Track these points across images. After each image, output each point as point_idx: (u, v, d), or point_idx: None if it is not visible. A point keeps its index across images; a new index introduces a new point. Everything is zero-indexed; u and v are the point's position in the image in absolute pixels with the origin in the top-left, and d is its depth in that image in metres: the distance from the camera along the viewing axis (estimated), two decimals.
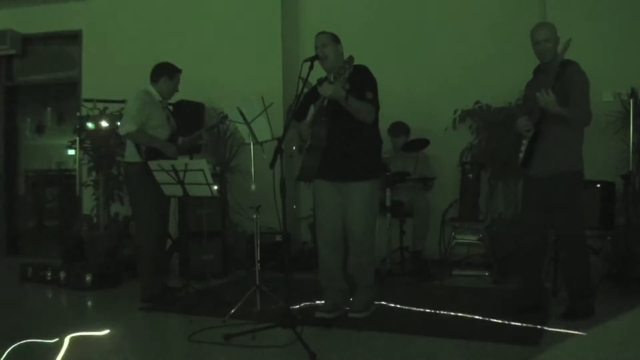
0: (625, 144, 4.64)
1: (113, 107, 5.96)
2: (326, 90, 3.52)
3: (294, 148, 3.85)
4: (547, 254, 4.06)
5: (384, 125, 4.68)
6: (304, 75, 3.51)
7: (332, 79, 3.62)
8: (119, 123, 5.13)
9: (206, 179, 3.92)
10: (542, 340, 3.22)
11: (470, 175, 5.15)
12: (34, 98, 7.37)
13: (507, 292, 4.37)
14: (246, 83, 5.96)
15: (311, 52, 3.83)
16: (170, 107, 5.02)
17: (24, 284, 5.32)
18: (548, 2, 5.33)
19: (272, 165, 3.24)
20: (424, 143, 5.40)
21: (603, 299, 3.88)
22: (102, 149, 5.97)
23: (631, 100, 4.51)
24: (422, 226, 5.28)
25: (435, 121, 5.78)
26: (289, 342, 3.16)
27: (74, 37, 6.98)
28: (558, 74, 3.50)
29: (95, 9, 6.84)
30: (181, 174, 3.96)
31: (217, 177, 5.41)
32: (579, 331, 3.28)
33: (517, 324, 3.54)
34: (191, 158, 5.12)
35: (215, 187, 4.08)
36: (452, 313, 3.88)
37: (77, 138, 6.16)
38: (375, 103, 3.72)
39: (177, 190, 4.09)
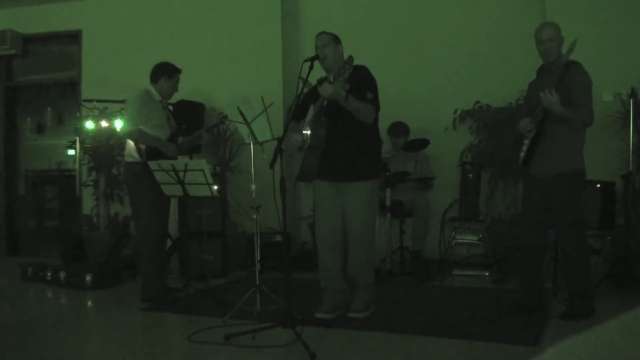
0: (625, 144, 4.64)
1: (113, 107, 5.96)
2: (326, 90, 3.52)
3: (301, 140, 3.82)
4: (547, 254, 4.06)
5: (383, 125, 4.68)
6: (304, 75, 3.51)
7: (332, 79, 3.62)
8: (119, 123, 5.14)
9: (206, 179, 3.92)
10: (542, 340, 3.22)
11: (470, 175, 5.15)
12: (34, 98, 7.37)
13: (507, 292, 4.37)
14: (246, 83, 5.95)
15: (311, 52, 3.83)
16: (170, 107, 5.02)
17: (24, 283, 5.32)
18: (548, 2, 5.33)
19: (272, 165, 3.24)
20: (424, 143, 5.40)
21: (603, 299, 3.88)
22: (102, 148, 5.97)
23: (631, 100, 4.52)
24: (422, 226, 5.28)
25: (435, 121, 5.78)
26: (289, 342, 3.16)
27: (74, 37, 6.98)
28: (562, 74, 3.50)
29: (95, 9, 6.84)
30: (181, 174, 3.96)
31: (217, 177, 5.41)
32: (579, 331, 3.27)
33: (517, 324, 3.54)
34: (191, 158, 5.11)
35: (215, 187, 4.08)
36: (452, 313, 3.88)
37: (77, 138, 6.16)
38: (375, 103, 3.72)
39: (177, 190, 4.09)
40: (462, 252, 5.49)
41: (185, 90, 4.94)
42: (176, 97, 5.07)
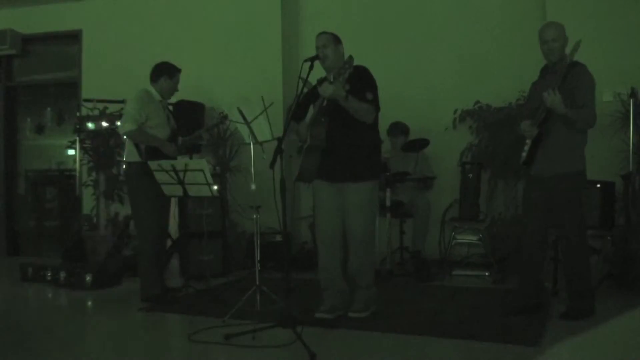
0: (625, 144, 4.64)
1: (113, 107, 5.96)
2: (326, 90, 3.52)
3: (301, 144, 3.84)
4: (547, 254, 4.06)
5: (383, 125, 4.69)
6: (304, 75, 3.51)
7: (332, 79, 3.62)
8: (118, 123, 5.13)
9: (206, 179, 3.92)
10: (542, 340, 3.22)
11: (470, 175, 5.15)
12: (34, 98, 7.37)
13: (507, 292, 4.37)
14: (246, 83, 5.96)
15: (311, 52, 3.83)
16: (170, 107, 5.02)
17: (24, 283, 5.33)
18: (548, 2, 5.33)
19: (272, 165, 3.24)
20: (424, 143, 5.40)
21: (603, 299, 3.88)
22: (102, 149, 5.98)
23: (631, 100, 4.52)
24: (422, 226, 5.28)
25: (435, 121, 5.78)
26: (289, 342, 3.15)
27: (74, 37, 6.98)
28: (565, 75, 3.50)
29: (95, 9, 6.85)
30: (181, 174, 3.96)
31: (217, 177, 5.42)
32: (579, 331, 3.27)
33: (517, 324, 3.54)
34: (191, 158, 5.12)
35: (215, 187, 4.08)
36: (452, 313, 3.88)
37: (77, 138, 6.16)
38: (375, 104, 3.72)
39: (177, 190, 4.09)
40: (462, 252, 5.49)
41: (185, 90, 4.94)
42: (176, 97, 5.07)
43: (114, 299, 4.67)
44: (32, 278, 5.33)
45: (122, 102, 5.62)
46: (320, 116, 3.66)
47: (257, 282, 3.97)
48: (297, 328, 3.16)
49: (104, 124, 5.90)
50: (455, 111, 5.73)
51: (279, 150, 3.28)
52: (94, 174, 6.11)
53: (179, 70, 4.49)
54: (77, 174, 6.61)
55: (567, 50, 3.59)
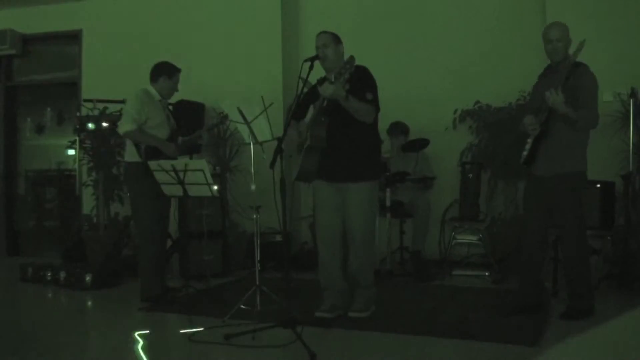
0: (625, 144, 4.64)
1: (113, 107, 5.96)
2: (326, 90, 3.52)
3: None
4: (547, 254, 4.06)
5: (383, 125, 4.69)
6: (304, 75, 3.51)
7: (332, 79, 3.62)
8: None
9: (206, 179, 3.92)
10: (542, 340, 3.22)
11: (470, 175, 5.15)
12: (34, 98, 7.37)
13: (507, 292, 4.37)
14: (246, 83, 5.96)
15: (311, 52, 3.83)
16: (170, 107, 5.02)
17: (24, 284, 5.33)
18: (548, 2, 5.33)
19: (272, 165, 3.24)
20: (424, 143, 5.40)
21: (603, 299, 3.88)
22: (102, 149, 5.97)
23: (631, 100, 4.52)
24: (422, 226, 5.27)
25: (435, 121, 5.78)
26: (289, 342, 3.15)
27: (74, 37, 6.98)
28: (568, 75, 3.50)
29: (95, 9, 6.84)
30: (181, 174, 3.96)
31: (217, 177, 5.41)
32: (579, 331, 3.27)
33: (517, 324, 3.54)
34: (191, 158, 5.12)
35: (215, 187, 4.08)
36: (452, 313, 3.88)
37: (77, 138, 6.16)
38: (375, 104, 3.72)
39: (177, 190, 4.09)
40: (462, 252, 5.49)
41: (185, 90, 4.94)
42: (176, 97, 5.07)
43: (114, 299, 4.67)
44: (32, 278, 5.33)
45: (122, 102, 5.60)
46: (320, 116, 3.66)
47: (257, 282, 3.98)
48: (297, 328, 3.16)
49: (104, 124, 5.89)
50: (455, 111, 5.73)
51: (279, 150, 3.28)
52: (94, 174, 6.11)
53: (178, 70, 4.49)
54: (77, 174, 6.61)
55: (571, 51, 3.59)
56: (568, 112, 3.45)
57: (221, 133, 5.98)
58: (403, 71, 5.94)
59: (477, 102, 5.67)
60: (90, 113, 6.01)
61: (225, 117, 4.54)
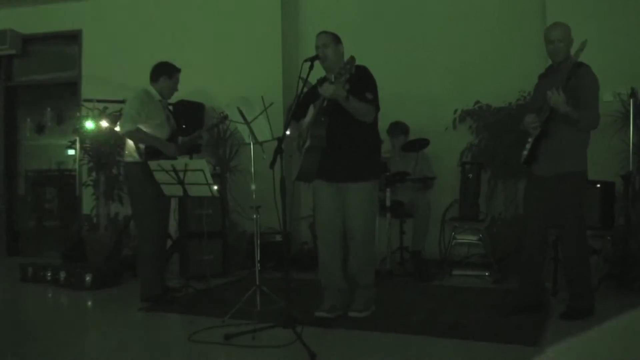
0: (625, 144, 4.64)
1: (113, 107, 5.96)
2: (327, 90, 3.52)
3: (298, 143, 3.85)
4: (547, 254, 4.06)
5: (383, 125, 4.69)
6: (304, 75, 3.51)
7: (332, 79, 3.62)
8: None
9: (206, 179, 3.92)
10: (542, 340, 3.22)
11: (470, 175, 5.15)
12: (34, 98, 7.37)
13: (507, 292, 4.37)
14: (246, 83, 5.95)
15: (311, 52, 3.83)
16: (170, 107, 5.01)
17: (24, 284, 5.33)
18: (548, 2, 5.33)
19: (272, 165, 3.24)
20: (424, 143, 5.40)
21: (603, 299, 3.88)
22: (102, 148, 5.97)
23: (631, 100, 4.52)
24: (422, 226, 5.27)
25: (435, 121, 5.78)
26: (289, 342, 3.15)
27: (74, 37, 6.98)
28: (570, 75, 3.50)
29: (95, 9, 6.84)
30: (181, 174, 3.96)
31: (217, 177, 5.41)
32: (579, 331, 3.27)
33: (517, 324, 3.54)
34: (191, 158, 5.12)
35: (215, 187, 4.08)
36: (452, 313, 3.88)
37: (77, 138, 6.16)
38: (375, 104, 3.72)
39: (177, 190, 4.09)
40: (462, 252, 5.49)
41: (185, 90, 4.94)
42: (176, 97, 5.07)
43: (114, 299, 4.67)
44: (32, 278, 5.33)
45: (122, 102, 5.61)
46: (320, 116, 3.66)
47: (257, 282, 3.98)
48: (297, 328, 3.16)
49: (104, 124, 5.89)
50: (455, 111, 5.73)
51: (279, 150, 3.28)
52: (94, 174, 6.11)
53: (178, 70, 4.49)
54: (77, 174, 6.61)
55: (573, 51, 3.59)
56: (569, 112, 3.45)
57: (221, 133, 5.97)
58: (403, 71, 5.94)
59: (477, 102, 5.67)
60: (90, 113, 6.01)
61: (225, 117, 4.54)
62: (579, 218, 3.64)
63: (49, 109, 7.25)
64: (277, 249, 5.58)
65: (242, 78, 6.11)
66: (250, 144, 4.41)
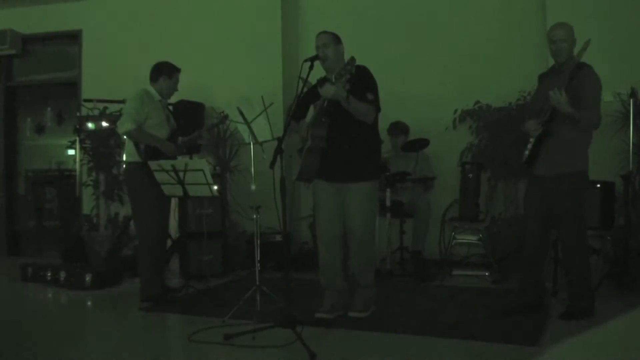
0: (625, 144, 4.64)
1: (113, 107, 5.96)
2: (328, 91, 3.52)
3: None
4: (547, 254, 4.06)
5: (383, 125, 4.68)
6: (304, 75, 3.51)
7: (333, 80, 3.62)
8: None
9: (206, 179, 3.92)
10: (542, 340, 3.22)
11: (470, 175, 5.15)
12: (34, 98, 7.38)
13: (507, 292, 4.37)
14: (246, 83, 5.95)
15: (311, 52, 3.83)
16: (170, 107, 5.01)
17: (24, 284, 5.33)
18: (548, 2, 5.33)
19: (272, 165, 3.24)
20: (424, 143, 5.40)
21: (603, 299, 3.87)
22: (102, 149, 5.97)
23: (631, 100, 4.52)
24: (422, 226, 5.27)
25: (435, 121, 5.78)
26: (289, 342, 3.15)
27: (74, 37, 6.98)
28: (572, 75, 3.50)
29: (95, 9, 6.84)
30: (181, 174, 3.96)
31: (217, 177, 5.41)
32: (579, 331, 3.27)
33: (517, 324, 3.54)
34: (191, 158, 5.12)
35: (215, 187, 4.08)
36: (452, 313, 3.88)
37: (77, 138, 6.16)
38: (376, 104, 3.73)
39: (177, 190, 4.09)
40: (462, 252, 5.49)
41: (185, 90, 4.94)
42: (176, 97, 5.07)
43: (114, 299, 4.67)
44: (32, 278, 5.33)
45: (122, 102, 5.61)
46: (321, 116, 3.67)
47: (257, 282, 3.97)
48: (297, 328, 3.16)
49: (104, 124, 5.89)
50: (455, 111, 5.73)
51: (279, 150, 3.28)
52: (94, 174, 6.11)
53: (178, 70, 4.49)
54: (77, 174, 6.61)
55: (575, 51, 3.59)
56: (571, 112, 3.45)
57: (221, 133, 5.98)
58: (403, 71, 5.94)
59: (477, 102, 5.67)
60: (90, 113, 6.01)
61: (226, 117, 4.54)
62: (579, 218, 3.64)
63: (49, 109, 7.25)
64: (277, 249, 5.58)
65: (242, 78, 6.11)
66: (250, 144, 4.41)
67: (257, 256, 4.09)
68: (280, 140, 3.35)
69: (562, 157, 3.61)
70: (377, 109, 3.75)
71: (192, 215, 5.30)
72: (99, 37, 6.80)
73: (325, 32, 3.85)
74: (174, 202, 4.86)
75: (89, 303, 4.68)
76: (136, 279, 4.65)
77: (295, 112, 3.71)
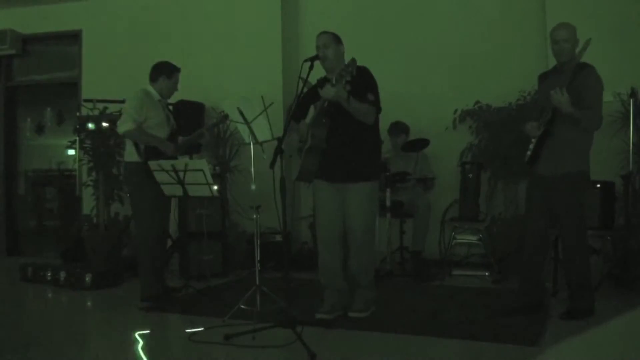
0: (625, 144, 4.64)
1: (113, 107, 5.95)
2: (328, 92, 3.52)
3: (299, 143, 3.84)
4: (548, 254, 4.06)
5: (383, 125, 4.68)
6: (304, 75, 3.51)
7: (334, 82, 3.61)
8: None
9: (206, 179, 3.92)
10: (542, 340, 3.22)
11: (470, 175, 5.15)
12: (34, 98, 7.38)
13: (507, 292, 4.37)
14: (246, 83, 5.96)
15: (311, 52, 3.83)
16: (170, 107, 5.01)
17: (24, 284, 5.33)
18: (548, 2, 5.34)
19: (272, 166, 3.24)
20: (424, 143, 5.40)
21: (603, 299, 3.87)
22: (102, 149, 5.97)
23: (631, 100, 4.52)
24: (422, 226, 5.27)
25: (435, 121, 5.78)
26: (289, 342, 3.15)
27: (74, 37, 6.98)
28: (573, 75, 3.50)
29: (95, 9, 6.85)
30: (181, 174, 3.96)
31: (217, 177, 5.41)
32: (579, 331, 3.27)
33: (517, 324, 3.54)
34: (191, 158, 5.12)
35: (215, 187, 4.08)
36: (452, 313, 3.88)
37: (77, 138, 6.16)
38: (376, 105, 3.73)
39: (177, 190, 4.09)
40: (462, 252, 5.49)
41: (185, 90, 4.94)
42: (176, 97, 5.06)
43: (114, 299, 4.67)
44: (32, 278, 5.33)
45: (122, 102, 5.59)
46: (321, 117, 3.67)
47: (257, 282, 3.97)
48: (297, 328, 3.16)
49: (104, 124, 5.89)
50: (455, 111, 5.73)
51: (279, 150, 3.28)
52: (94, 174, 6.11)
53: (178, 70, 4.48)
54: (77, 174, 6.61)
55: (576, 51, 3.59)
56: (572, 111, 3.45)
57: (221, 133, 5.98)
58: (403, 71, 5.94)
59: (477, 102, 5.67)
60: (90, 113, 6.01)
61: (226, 116, 4.54)
62: (580, 218, 3.64)
63: (49, 109, 7.26)
64: (277, 249, 5.58)
65: (242, 78, 6.12)
66: (250, 144, 4.41)
67: (257, 256, 4.09)
68: (280, 140, 3.35)
69: (562, 157, 3.61)
70: (378, 109, 3.75)
71: (192, 215, 5.30)
72: (99, 37, 6.80)
73: (325, 33, 3.85)
74: (173, 202, 4.86)
75: (89, 303, 4.68)
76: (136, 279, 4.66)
77: (295, 112, 3.71)
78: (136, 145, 4.25)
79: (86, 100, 6.17)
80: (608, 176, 4.63)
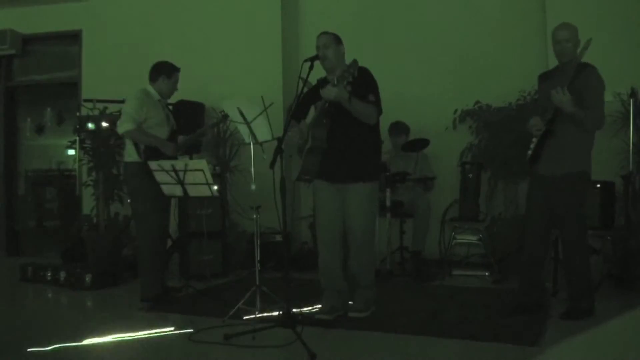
0: (625, 144, 4.64)
1: (113, 107, 5.95)
2: (329, 93, 3.53)
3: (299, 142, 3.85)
4: (548, 254, 4.06)
5: (383, 125, 4.68)
6: (304, 75, 3.51)
7: (335, 82, 3.61)
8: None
9: (206, 179, 3.92)
10: (542, 340, 3.22)
11: (470, 175, 5.15)
12: (34, 98, 7.38)
13: (507, 292, 4.37)
14: (246, 83, 5.95)
15: (311, 52, 3.83)
16: (170, 107, 5.01)
17: (24, 284, 5.32)
18: (548, 2, 5.34)
19: (272, 165, 3.24)
20: (424, 143, 5.40)
21: (603, 299, 3.87)
22: (102, 149, 5.97)
23: (631, 100, 4.52)
24: (422, 226, 5.27)
25: (435, 121, 5.78)
26: (289, 342, 3.15)
27: (74, 37, 6.98)
28: (575, 75, 3.50)
29: (95, 9, 6.85)
30: (181, 174, 3.96)
31: (217, 177, 5.41)
32: (579, 331, 3.27)
33: (517, 324, 3.54)
34: (191, 158, 5.11)
35: (215, 187, 4.08)
36: (452, 313, 3.88)
37: (77, 138, 6.15)
38: (378, 105, 3.73)
39: (177, 190, 4.09)
40: (462, 252, 5.49)
41: (185, 90, 4.94)
42: (176, 97, 5.06)
43: (114, 299, 4.67)
44: (32, 278, 5.33)
45: (122, 102, 5.59)
46: (322, 117, 3.67)
47: (257, 282, 3.97)
48: (297, 328, 3.16)
49: (104, 124, 5.89)
50: (455, 111, 5.73)
51: (279, 150, 3.28)
52: (94, 174, 6.10)
53: (177, 70, 4.48)
54: (77, 174, 6.61)
55: (577, 51, 3.59)
56: (574, 111, 3.45)
57: (221, 133, 5.97)
58: (403, 71, 5.95)
59: (477, 102, 5.67)
60: (90, 113, 6.01)
61: (226, 116, 4.54)
62: (580, 218, 3.64)
63: (49, 109, 7.26)
64: (277, 249, 5.59)
65: (242, 78, 6.12)
66: (250, 144, 4.41)
67: (257, 256, 4.09)
68: (280, 140, 3.35)
69: (564, 157, 3.61)
70: (379, 110, 3.75)
71: (192, 215, 5.30)
72: (99, 37, 6.80)
73: (326, 33, 3.85)
74: (174, 202, 4.86)
75: (89, 303, 4.68)
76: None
77: (295, 112, 3.72)
78: (136, 145, 4.25)
79: (86, 100, 6.16)
80: (608, 176, 4.63)
